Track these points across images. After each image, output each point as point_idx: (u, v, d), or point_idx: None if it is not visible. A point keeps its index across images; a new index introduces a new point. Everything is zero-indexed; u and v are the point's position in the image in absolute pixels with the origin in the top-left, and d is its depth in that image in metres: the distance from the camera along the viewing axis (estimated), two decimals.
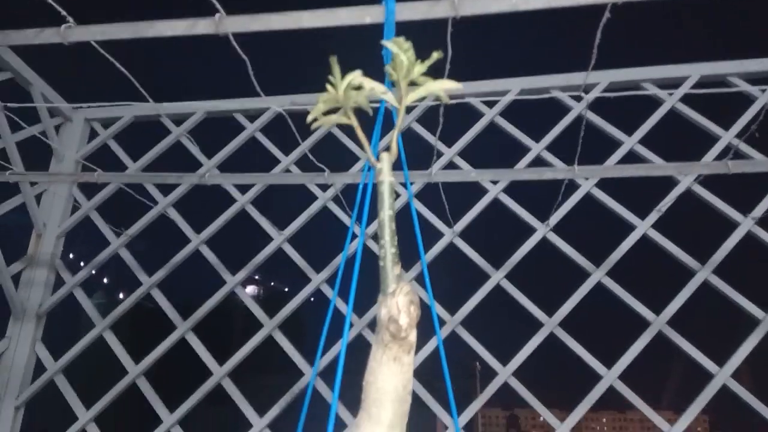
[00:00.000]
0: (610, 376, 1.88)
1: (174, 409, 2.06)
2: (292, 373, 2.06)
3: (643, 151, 2.12)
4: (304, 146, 2.26)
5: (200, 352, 2.14)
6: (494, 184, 2.16)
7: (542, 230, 2.10)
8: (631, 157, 2.12)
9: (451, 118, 1.65)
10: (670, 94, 2.15)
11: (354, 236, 2.07)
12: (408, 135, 2.24)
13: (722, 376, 1.82)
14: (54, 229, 2.37)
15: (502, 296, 2.08)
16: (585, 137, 1.60)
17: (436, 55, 0.60)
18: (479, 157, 2.05)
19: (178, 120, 2.44)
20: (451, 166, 2.23)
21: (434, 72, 0.62)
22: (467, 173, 1.83)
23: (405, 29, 0.98)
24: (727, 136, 2.06)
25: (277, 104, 2.25)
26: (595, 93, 2.16)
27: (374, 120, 1.07)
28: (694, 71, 2.15)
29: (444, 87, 0.60)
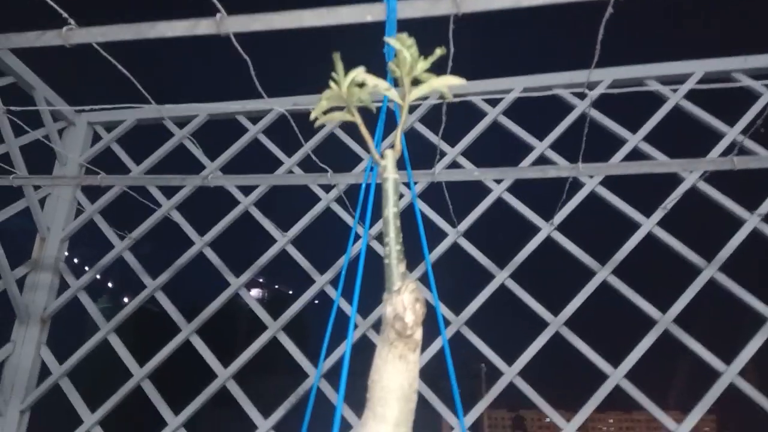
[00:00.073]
0: (616, 376, 1.87)
1: (179, 412, 2.06)
2: (296, 374, 2.06)
3: (647, 148, 2.10)
4: (307, 147, 2.26)
5: (205, 355, 2.14)
6: (498, 183, 2.15)
7: (547, 229, 2.09)
8: (636, 155, 2.11)
9: (454, 117, 1.64)
10: (674, 91, 2.13)
11: (357, 237, 2.07)
12: (411, 134, 2.23)
13: (730, 374, 1.80)
14: (58, 233, 2.38)
15: (507, 296, 2.07)
16: (589, 135, 1.59)
17: (439, 52, 0.60)
18: (482, 156, 2.05)
19: (181, 122, 2.45)
20: (454, 165, 2.22)
21: (436, 71, 0.61)
22: (470, 172, 1.82)
23: (406, 28, 0.97)
24: (732, 133, 2.04)
25: (279, 105, 2.25)
26: (598, 90, 2.14)
27: (377, 119, 1.06)
28: (698, 68, 2.14)
29: (447, 83, 0.59)
